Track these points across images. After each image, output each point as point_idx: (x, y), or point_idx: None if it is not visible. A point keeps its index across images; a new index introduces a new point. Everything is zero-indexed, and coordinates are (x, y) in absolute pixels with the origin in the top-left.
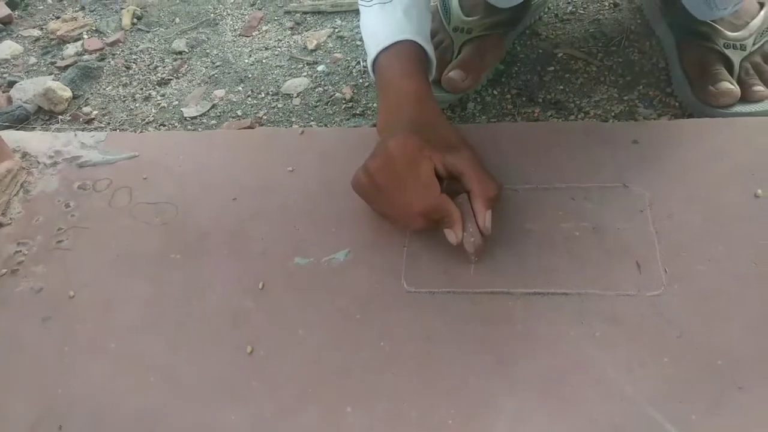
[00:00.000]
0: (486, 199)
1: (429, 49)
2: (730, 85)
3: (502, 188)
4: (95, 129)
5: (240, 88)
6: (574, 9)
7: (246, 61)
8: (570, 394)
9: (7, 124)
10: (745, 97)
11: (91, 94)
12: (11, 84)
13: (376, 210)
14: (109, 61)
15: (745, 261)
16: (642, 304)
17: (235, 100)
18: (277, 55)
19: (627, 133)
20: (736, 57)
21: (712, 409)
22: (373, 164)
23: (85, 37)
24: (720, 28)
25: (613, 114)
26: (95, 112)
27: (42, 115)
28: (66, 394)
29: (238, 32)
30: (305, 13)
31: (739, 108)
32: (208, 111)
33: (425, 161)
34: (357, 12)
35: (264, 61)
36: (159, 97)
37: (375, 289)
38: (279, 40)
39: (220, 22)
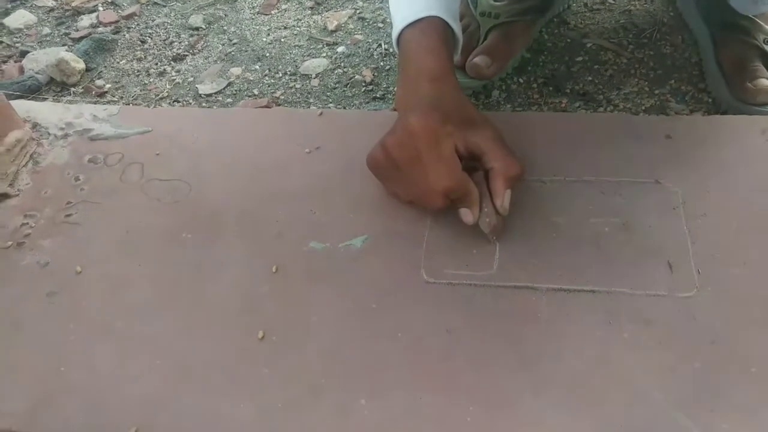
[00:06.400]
0: (507, 178)
1: (456, 27)
2: None
3: (524, 168)
4: (107, 102)
5: (257, 67)
6: None
7: (264, 39)
8: (596, 397)
9: (18, 93)
10: None
11: (105, 67)
12: (23, 54)
13: (390, 189)
14: (124, 35)
15: None
16: (673, 306)
17: (251, 78)
18: (296, 34)
19: (660, 128)
20: None
21: (745, 419)
22: (391, 140)
23: (101, 9)
24: (761, 22)
25: (643, 108)
26: (108, 86)
27: (54, 86)
28: (69, 373)
29: (257, 10)
30: None
31: None
32: (223, 89)
33: (446, 138)
34: None
35: (282, 40)
36: (174, 73)
37: (393, 279)
38: (298, 19)
39: None
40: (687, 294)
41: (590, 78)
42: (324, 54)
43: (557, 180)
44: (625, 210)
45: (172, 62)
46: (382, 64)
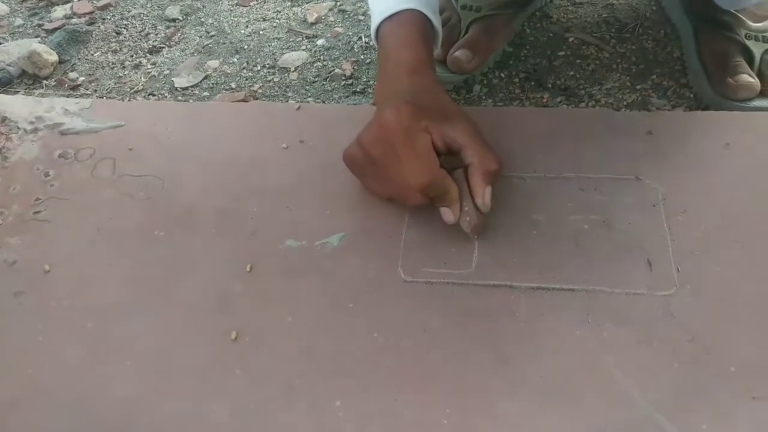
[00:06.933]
0: (486, 173)
1: (435, 19)
2: (750, 78)
3: (502, 164)
4: (81, 96)
5: (235, 60)
6: None
7: (242, 31)
8: (574, 398)
9: None
10: (765, 92)
11: (79, 59)
12: None
13: (368, 187)
14: (99, 26)
15: (763, 262)
16: (653, 305)
17: (229, 71)
18: (275, 26)
19: (641, 124)
20: (757, 49)
21: (724, 419)
22: (366, 136)
23: None
24: (743, 18)
25: (624, 103)
26: (82, 79)
27: (26, 79)
28: (37, 375)
29: (236, 1)
30: None
31: (758, 102)
32: (200, 82)
33: (422, 133)
34: None
35: (261, 32)
36: (149, 66)
37: (370, 277)
38: (278, 11)
39: None
40: (666, 292)
41: (572, 73)
42: (303, 47)
43: (537, 176)
44: (605, 207)
45: (147, 54)
46: (362, 57)
